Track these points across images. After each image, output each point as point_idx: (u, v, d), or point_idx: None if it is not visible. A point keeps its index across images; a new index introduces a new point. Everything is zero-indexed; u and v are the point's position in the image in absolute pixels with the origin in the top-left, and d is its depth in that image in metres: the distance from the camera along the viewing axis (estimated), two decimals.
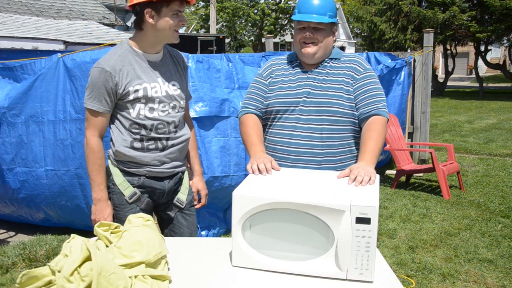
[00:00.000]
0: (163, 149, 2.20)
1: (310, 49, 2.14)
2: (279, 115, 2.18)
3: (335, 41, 2.24)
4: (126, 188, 2.18)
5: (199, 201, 2.46)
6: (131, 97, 2.09)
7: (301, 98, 2.14)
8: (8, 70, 4.17)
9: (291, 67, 2.25)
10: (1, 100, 4.09)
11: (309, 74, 2.19)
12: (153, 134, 2.16)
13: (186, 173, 2.37)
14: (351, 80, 2.15)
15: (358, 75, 2.15)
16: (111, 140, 2.19)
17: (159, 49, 2.17)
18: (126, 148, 2.15)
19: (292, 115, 2.15)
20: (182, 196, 2.33)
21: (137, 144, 2.15)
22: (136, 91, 2.09)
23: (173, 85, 2.21)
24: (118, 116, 2.14)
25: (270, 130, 2.23)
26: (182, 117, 2.29)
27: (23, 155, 4.12)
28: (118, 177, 2.18)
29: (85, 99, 2.10)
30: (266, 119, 2.24)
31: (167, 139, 2.20)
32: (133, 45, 2.14)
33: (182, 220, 2.35)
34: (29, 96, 4.03)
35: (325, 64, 2.19)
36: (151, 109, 2.13)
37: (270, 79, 2.26)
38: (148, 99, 2.11)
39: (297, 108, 2.14)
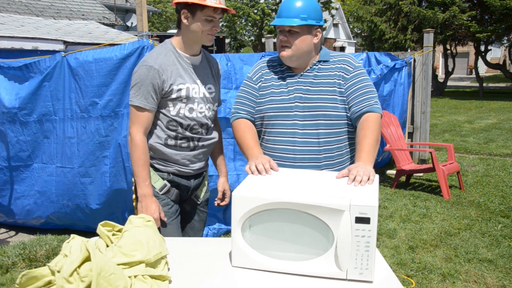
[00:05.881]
0: (193, 149, 2.28)
1: (285, 53, 2.12)
2: (273, 121, 2.16)
3: (322, 42, 2.20)
4: (156, 181, 2.24)
5: (223, 199, 2.55)
6: (174, 96, 2.15)
7: (293, 103, 2.12)
8: (14, 69, 4.19)
9: (280, 71, 2.21)
10: (12, 101, 4.14)
11: (298, 78, 2.16)
12: (187, 133, 2.22)
13: (206, 173, 2.48)
14: (342, 81, 2.13)
15: (348, 75, 2.13)
16: None
17: (196, 50, 2.23)
18: (160, 144, 2.21)
19: (288, 120, 2.12)
20: (199, 192, 2.44)
21: (171, 142, 2.22)
22: (180, 90, 2.15)
23: (209, 88, 2.28)
24: (157, 113, 2.19)
25: (266, 137, 2.20)
26: (213, 120, 2.37)
27: (38, 152, 4.21)
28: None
29: (131, 96, 2.12)
30: (260, 125, 2.21)
31: (199, 139, 2.28)
32: (175, 44, 2.20)
33: (195, 216, 2.47)
34: (38, 95, 4.08)
35: (314, 67, 2.16)
36: (191, 109, 2.20)
37: (260, 83, 2.23)
38: (189, 99, 2.18)
39: (292, 113, 2.12)
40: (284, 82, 2.17)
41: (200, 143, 2.29)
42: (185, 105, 2.18)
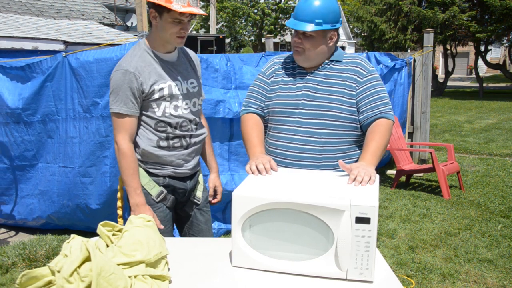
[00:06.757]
0: (187, 147, 2.23)
1: (298, 55, 2.12)
2: (278, 117, 2.15)
3: (335, 43, 2.17)
4: (152, 188, 2.19)
5: (215, 197, 2.49)
6: (156, 96, 2.09)
7: (300, 100, 2.11)
8: (16, 69, 4.20)
9: (292, 68, 2.21)
10: (15, 101, 4.15)
11: (308, 76, 2.14)
12: (177, 132, 2.18)
13: (200, 172, 2.42)
14: (354, 84, 2.10)
15: (362, 78, 2.10)
16: (135, 141, 2.16)
17: (170, 48, 2.17)
18: (153, 147, 2.15)
19: (293, 117, 2.11)
20: (198, 193, 2.38)
21: (163, 143, 2.16)
22: (161, 89, 2.10)
23: (191, 83, 2.24)
24: (143, 117, 2.13)
25: (270, 133, 2.20)
26: (200, 115, 2.33)
27: (42, 151, 4.23)
28: (143, 177, 2.17)
29: (111, 104, 2.06)
30: (267, 120, 2.21)
31: (190, 136, 2.23)
32: (149, 44, 2.15)
33: (200, 217, 2.39)
34: (41, 95, 4.09)
35: (325, 66, 2.14)
36: (176, 107, 2.15)
37: (272, 78, 2.23)
38: (172, 97, 2.13)
39: (297, 110, 2.10)
40: (294, 79, 2.17)
41: (193, 140, 2.24)
42: (170, 103, 2.13)
